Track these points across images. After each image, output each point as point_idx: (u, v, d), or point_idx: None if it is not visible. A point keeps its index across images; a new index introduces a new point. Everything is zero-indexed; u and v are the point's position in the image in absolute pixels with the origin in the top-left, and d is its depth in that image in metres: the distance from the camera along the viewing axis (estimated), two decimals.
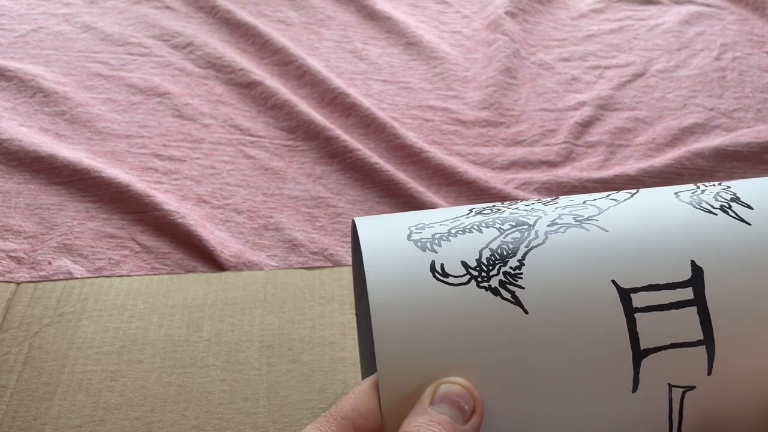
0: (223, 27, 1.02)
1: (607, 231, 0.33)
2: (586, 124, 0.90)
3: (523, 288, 0.31)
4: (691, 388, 0.30)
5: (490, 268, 0.32)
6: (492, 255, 0.32)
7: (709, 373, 0.30)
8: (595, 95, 0.95)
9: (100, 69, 0.93)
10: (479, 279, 0.32)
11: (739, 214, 0.34)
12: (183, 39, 0.99)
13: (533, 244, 0.33)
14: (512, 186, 0.81)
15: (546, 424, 0.30)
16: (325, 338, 0.60)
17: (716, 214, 0.34)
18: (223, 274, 0.67)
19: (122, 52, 0.97)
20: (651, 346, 0.30)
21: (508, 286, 0.31)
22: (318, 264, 0.70)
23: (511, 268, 0.32)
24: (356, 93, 0.92)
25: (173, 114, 0.88)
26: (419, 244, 0.33)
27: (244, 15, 1.03)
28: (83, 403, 0.55)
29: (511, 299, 0.31)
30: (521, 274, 0.32)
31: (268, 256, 0.71)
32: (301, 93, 0.92)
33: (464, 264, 0.32)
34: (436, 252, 0.33)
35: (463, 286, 0.32)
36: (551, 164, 0.85)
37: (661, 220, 0.34)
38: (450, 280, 0.32)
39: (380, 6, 1.08)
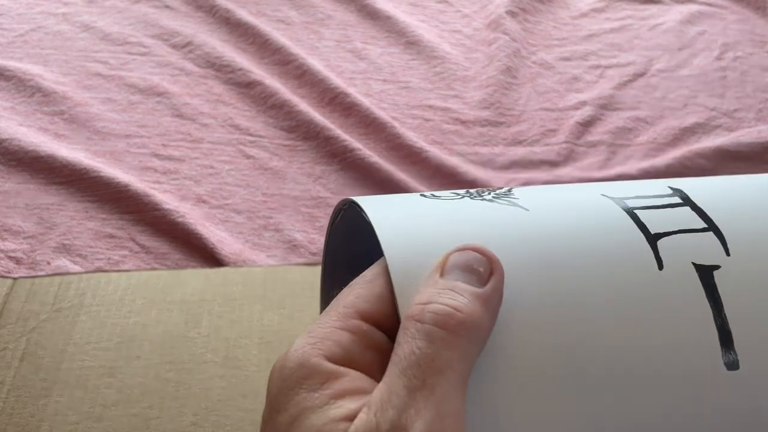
0: (222, 26, 1.02)
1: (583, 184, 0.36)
2: (586, 124, 0.90)
3: (518, 198, 0.32)
4: (717, 267, 0.30)
5: (481, 192, 0.33)
6: (479, 190, 0.34)
7: (728, 254, 0.30)
8: (596, 95, 0.94)
9: (99, 68, 0.93)
10: (472, 197, 0.32)
11: None
12: (182, 38, 0.99)
13: (515, 186, 0.34)
14: (513, 186, 0.80)
15: (575, 292, 0.28)
16: None
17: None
18: (222, 269, 0.67)
19: (121, 52, 0.96)
20: (661, 231, 0.30)
21: (501, 198, 0.32)
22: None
23: (500, 192, 0.33)
24: (356, 93, 0.91)
25: (172, 113, 0.87)
26: (405, 196, 0.34)
27: (244, 14, 1.03)
28: (81, 400, 0.55)
29: (508, 204, 0.31)
30: (512, 194, 0.32)
31: (267, 256, 0.71)
32: (301, 93, 0.92)
33: (454, 192, 0.33)
34: (425, 195, 0.33)
35: (457, 200, 0.32)
36: (552, 164, 0.85)
37: (634, 181, 0.36)
38: (442, 197, 0.32)
39: (380, 5, 1.08)
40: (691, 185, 0.33)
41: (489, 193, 0.32)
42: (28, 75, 0.90)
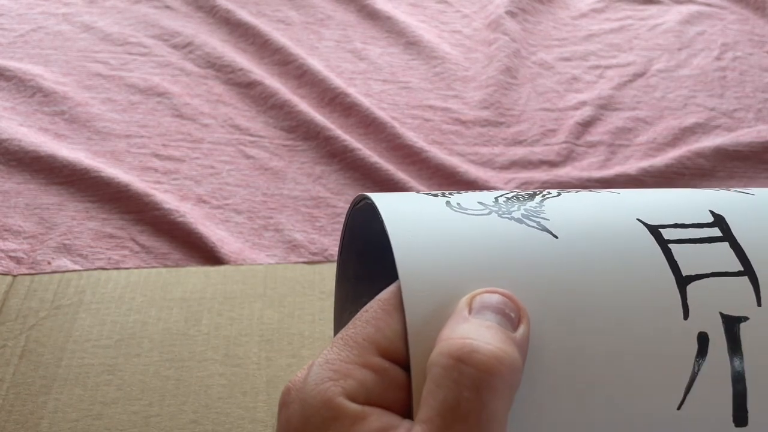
0: (222, 27, 1.02)
1: (619, 193, 0.33)
2: (586, 124, 0.90)
3: (548, 219, 0.30)
4: (745, 318, 0.28)
5: (510, 206, 0.31)
6: (508, 200, 0.32)
7: (759, 304, 0.29)
8: (596, 95, 0.94)
9: (99, 69, 0.93)
10: (500, 213, 0.30)
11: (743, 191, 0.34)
12: (182, 39, 0.99)
13: (548, 196, 0.32)
14: (512, 186, 0.80)
15: (596, 344, 0.27)
16: (325, 333, 0.60)
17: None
18: (222, 268, 0.67)
19: (122, 52, 0.97)
20: (693, 273, 0.29)
21: (531, 217, 0.30)
22: None
23: (531, 207, 0.31)
24: (356, 93, 0.91)
25: (173, 114, 0.87)
26: (428, 194, 0.32)
27: (244, 15, 1.03)
28: (80, 397, 0.55)
29: (537, 227, 0.29)
30: (543, 211, 0.30)
31: (267, 255, 0.71)
32: (301, 93, 0.92)
33: (481, 203, 0.31)
34: (450, 196, 0.32)
35: (484, 216, 0.30)
36: (552, 164, 0.85)
37: (674, 191, 0.34)
38: (469, 211, 0.30)
39: (380, 6, 1.08)
40: (734, 211, 0.32)
41: (518, 207, 0.31)
42: (28, 75, 0.90)
